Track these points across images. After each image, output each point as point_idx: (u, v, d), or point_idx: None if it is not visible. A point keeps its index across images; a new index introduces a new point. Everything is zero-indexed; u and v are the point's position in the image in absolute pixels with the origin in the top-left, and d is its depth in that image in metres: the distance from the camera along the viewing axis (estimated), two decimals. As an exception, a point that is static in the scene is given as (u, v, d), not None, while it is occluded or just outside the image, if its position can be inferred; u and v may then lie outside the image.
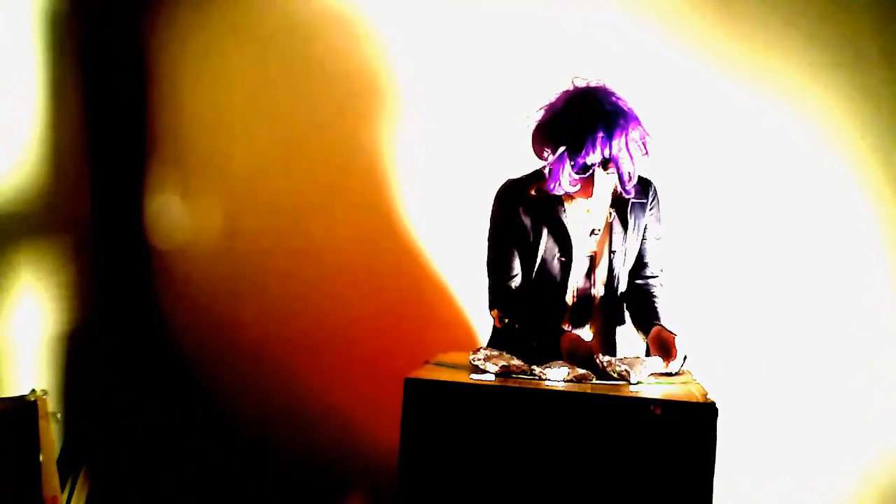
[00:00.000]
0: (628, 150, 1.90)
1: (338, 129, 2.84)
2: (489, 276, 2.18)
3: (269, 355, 2.96)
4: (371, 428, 2.80)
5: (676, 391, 1.70)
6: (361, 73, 2.79)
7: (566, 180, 1.95)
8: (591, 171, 1.93)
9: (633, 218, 2.11)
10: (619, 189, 1.98)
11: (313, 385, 2.92)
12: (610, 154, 1.89)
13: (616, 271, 2.12)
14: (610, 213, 2.11)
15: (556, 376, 1.76)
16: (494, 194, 2.16)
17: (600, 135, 1.87)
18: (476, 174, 2.65)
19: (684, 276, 2.56)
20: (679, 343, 1.92)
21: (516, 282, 2.13)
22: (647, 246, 2.18)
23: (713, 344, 2.58)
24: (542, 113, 2.00)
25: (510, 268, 2.13)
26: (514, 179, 2.14)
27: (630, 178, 1.95)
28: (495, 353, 1.86)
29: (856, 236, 2.54)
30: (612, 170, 1.93)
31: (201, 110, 2.97)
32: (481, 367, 1.81)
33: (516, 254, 2.11)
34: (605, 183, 1.97)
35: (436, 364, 1.89)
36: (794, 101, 2.52)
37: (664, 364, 1.85)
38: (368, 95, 2.80)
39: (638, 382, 1.75)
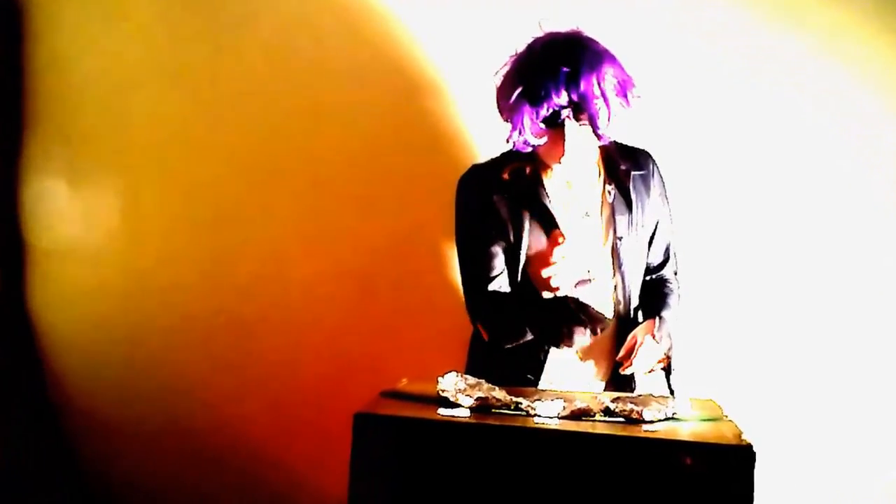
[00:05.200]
0: (602, 90, 1.71)
1: (269, 95, 2.59)
2: (463, 283, 1.98)
3: (182, 384, 2.70)
4: (314, 478, 2.59)
5: (704, 431, 1.52)
6: (299, 23, 2.55)
7: (529, 130, 1.75)
8: (560, 122, 1.74)
9: (636, 194, 1.92)
10: (594, 134, 1.78)
11: (240, 424, 2.68)
12: (578, 94, 1.69)
13: (624, 264, 1.92)
14: (608, 192, 1.92)
15: (549, 411, 1.56)
16: (457, 184, 1.97)
17: (564, 70, 1.68)
18: (450, 164, 2.37)
19: (715, 289, 2.39)
20: (645, 352, 1.84)
21: (500, 284, 1.92)
22: (657, 232, 2.00)
23: (744, 369, 2.38)
24: (506, 65, 1.82)
25: (489, 268, 1.92)
26: (480, 164, 1.98)
27: (608, 122, 1.76)
28: (471, 381, 1.65)
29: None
30: (584, 121, 1.74)
31: (95, 73, 2.71)
32: (452, 399, 1.61)
33: (496, 251, 1.92)
34: (581, 138, 1.76)
35: (395, 396, 1.72)
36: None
37: (690, 408, 1.64)
38: (306, 52, 2.55)
39: (653, 421, 1.54)
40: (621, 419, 1.55)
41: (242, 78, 2.61)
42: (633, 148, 1.97)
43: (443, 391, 1.62)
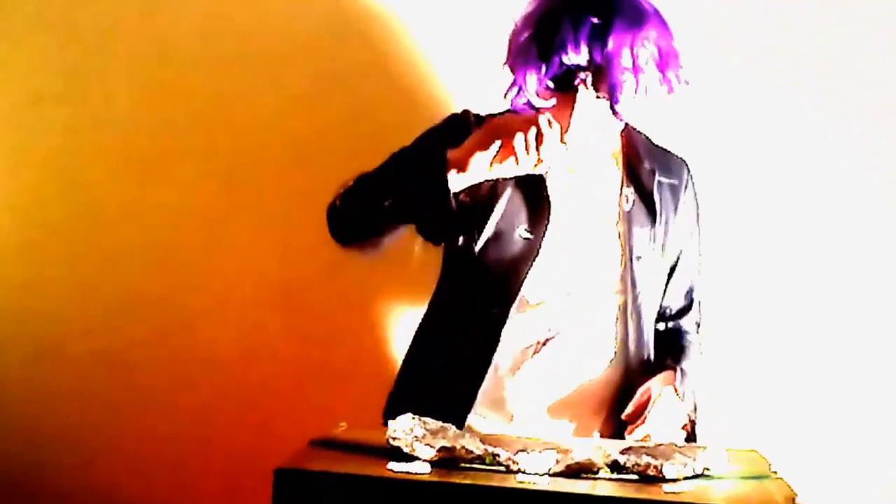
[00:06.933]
0: (634, 57, 1.47)
1: (161, 63, 2.33)
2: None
3: (39, 436, 2.40)
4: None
5: (746, 492, 1.32)
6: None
7: (533, 88, 1.50)
8: (574, 86, 1.50)
9: (661, 204, 1.65)
10: (609, 105, 1.53)
11: (122, 484, 2.38)
12: (603, 55, 1.46)
13: (642, 293, 1.64)
14: (626, 196, 1.65)
15: (538, 466, 1.33)
16: (443, 119, 1.72)
17: (593, 20, 1.46)
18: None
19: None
20: (663, 410, 1.53)
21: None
22: (679, 266, 1.73)
23: (792, 411, 2.23)
24: (529, 4, 1.59)
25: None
26: (474, 113, 1.68)
27: (633, 97, 1.52)
28: (433, 426, 1.43)
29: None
30: (604, 94, 1.52)
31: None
32: (406, 449, 1.38)
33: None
34: (595, 114, 1.52)
35: (329, 445, 1.49)
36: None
37: (727, 462, 1.39)
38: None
39: (677, 479, 1.32)
40: (634, 476, 1.31)
41: (126, 38, 2.36)
42: (665, 150, 1.74)
43: (394, 439, 1.38)
